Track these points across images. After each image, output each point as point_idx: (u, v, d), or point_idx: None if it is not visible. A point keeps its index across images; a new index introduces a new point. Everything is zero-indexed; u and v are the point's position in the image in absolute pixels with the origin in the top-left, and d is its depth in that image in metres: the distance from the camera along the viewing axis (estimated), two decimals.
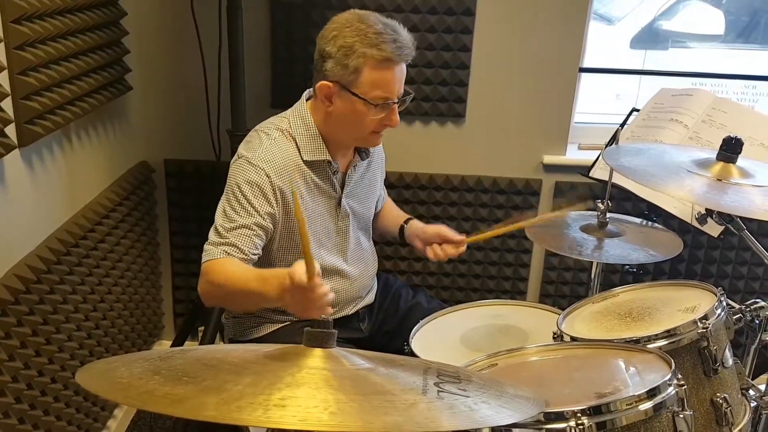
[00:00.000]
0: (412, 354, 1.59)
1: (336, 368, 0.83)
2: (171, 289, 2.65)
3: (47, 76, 1.69)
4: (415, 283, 2.64)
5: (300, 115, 1.65)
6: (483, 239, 1.87)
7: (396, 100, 1.57)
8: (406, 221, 1.93)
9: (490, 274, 2.64)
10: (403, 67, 1.57)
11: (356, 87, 1.53)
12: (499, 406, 0.81)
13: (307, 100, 1.68)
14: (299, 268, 1.25)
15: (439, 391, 0.80)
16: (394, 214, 1.99)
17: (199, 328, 2.39)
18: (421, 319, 1.75)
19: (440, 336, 1.70)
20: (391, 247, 2.56)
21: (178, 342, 2.45)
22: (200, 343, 2.21)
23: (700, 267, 2.64)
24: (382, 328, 1.89)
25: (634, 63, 3.30)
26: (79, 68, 1.86)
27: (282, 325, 1.73)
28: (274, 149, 1.60)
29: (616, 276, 2.61)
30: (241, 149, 1.63)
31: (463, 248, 1.81)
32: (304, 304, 1.27)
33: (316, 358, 0.85)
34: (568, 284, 2.67)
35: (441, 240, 1.81)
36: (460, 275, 2.64)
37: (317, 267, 1.23)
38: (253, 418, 0.65)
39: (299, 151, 1.62)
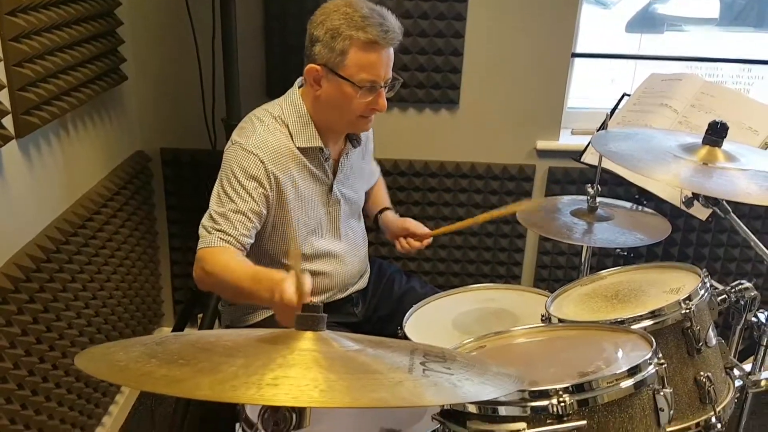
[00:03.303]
0: (406, 338, 1.62)
1: (326, 350, 0.87)
2: (170, 276, 2.68)
3: (43, 67, 1.71)
4: (410, 269, 2.67)
5: (292, 102, 1.67)
6: (447, 232, 1.97)
7: (383, 84, 1.60)
8: (381, 211, 1.98)
9: (485, 259, 2.68)
10: (390, 51, 1.59)
11: (343, 69, 1.56)
12: (481, 383, 0.84)
13: (299, 88, 1.70)
14: (289, 286, 1.27)
15: (424, 370, 0.84)
16: (377, 200, 2.03)
17: (198, 315, 2.42)
18: (415, 304, 1.78)
19: (433, 320, 1.73)
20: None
21: (177, 328, 2.48)
22: (199, 329, 2.25)
23: (692, 250, 2.68)
24: (376, 313, 1.93)
25: (630, 47, 3.31)
26: (75, 59, 1.88)
27: None
28: (268, 136, 1.63)
29: (609, 260, 2.64)
30: (235, 135, 1.66)
31: (428, 241, 1.91)
32: (288, 319, 1.27)
33: (306, 340, 0.89)
34: (561, 268, 2.71)
35: (407, 234, 1.90)
36: (455, 261, 2.68)
37: (308, 286, 1.25)
38: (247, 396, 0.69)
39: (292, 138, 1.65)
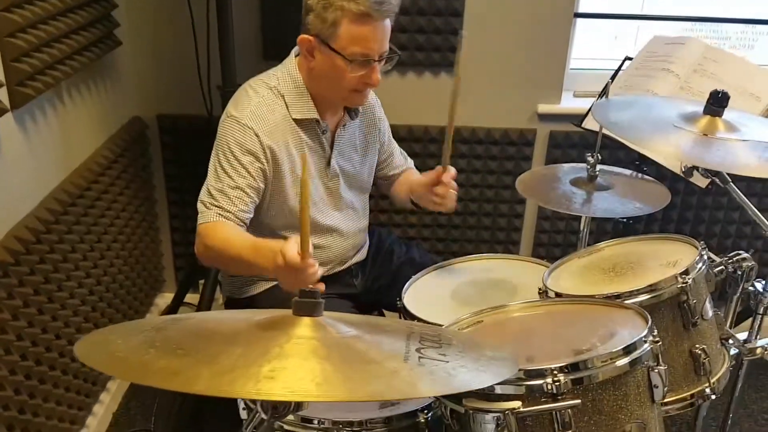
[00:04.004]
0: (404, 309, 1.63)
1: (323, 336, 0.87)
2: (170, 243, 2.69)
3: (35, 36, 1.68)
4: (410, 236, 2.68)
5: (289, 71, 1.64)
6: (449, 149, 1.67)
7: (377, 59, 1.55)
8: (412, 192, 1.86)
9: (485, 225, 2.68)
10: (386, 24, 1.54)
11: (334, 41, 1.52)
12: (476, 370, 0.85)
13: (296, 56, 1.67)
14: (292, 247, 1.26)
15: (420, 357, 0.85)
16: (406, 187, 1.91)
17: (200, 281, 2.44)
18: (414, 274, 1.79)
19: (432, 291, 1.74)
20: (385, 201, 2.58)
21: (179, 295, 2.51)
22: (200, 297, 2.27)
23: (692, 214, 2.67)
24: (375, 284, 1.94)
25: (633, 2, 3.24)
26: (68, 26, 1.85)
27: (276, 282, 1.77)
28: (263, 107, 1.60)
29: (609, 224, 2.64)
30: (230, 107, 1.63)
31: (450, 175, 1.70)
32: (293, 282, 1.29)
33: (304, 327, 0.89)
34: (561, 233, 2.71)
35: (427, 188, 1.74)
36: (455, 227, 2.68)
37: (310, 246, 1.25)
38: (245, 390, 0.70)
39: (288, 109, 1.62)
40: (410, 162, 2.02)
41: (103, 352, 0.79)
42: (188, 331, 0.88)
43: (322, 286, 1.29)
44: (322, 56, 1.56)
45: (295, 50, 1.68)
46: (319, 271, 1.32)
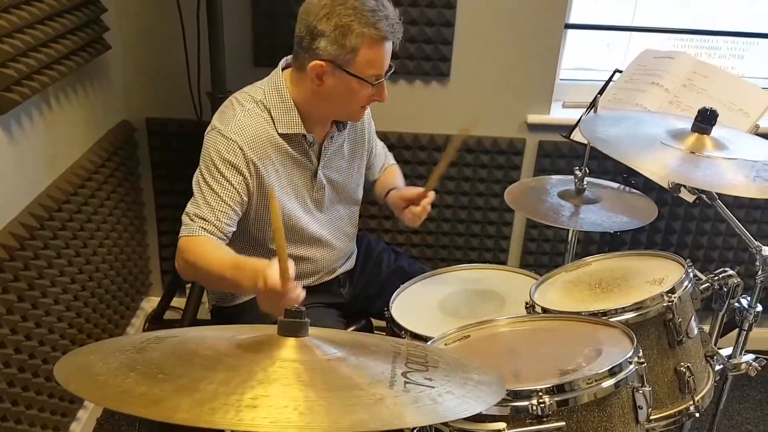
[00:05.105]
0: (392, 319, 1.63)
1: (307, 359, 0.87)
2: (158, 247, 2.68)
3: (22, 41, 1.67)
4: (399, 242, 2.67)
5: (275, 86, 1.63)
6: (439, 177, 1.75)
7: (385, 76, 1.57)
8: (387, 194, 1.89)
9: (474, 233, 2.68)
10: (391, 43, 1.56)
11: (352, 66, 1.52)
12: (463, 396, 0.85)
13: (283, 70, 1.65)
14: (273, 271, 1.26)
15: (405, 383, 0.84)
16: (385, 187, 1.92)
17: (187, 285, 2.43)
18: (403, 284, 1.79)
19: (419, 301, 1.74)
20: (375, 207, 2.58)
21: (166, 299, 2.50)
22: (187, 301, 2.25)
23: (678, 226, 2.69)
24: (363, 293, 1.93)
25: (625, 10, 3.25)
26: (56, 30, 1.83)
27: None
28: (248, 121, 1.58)
29: (597, 235, 2.65)
30: (215, 120, 1.62)
31: (429, 200, 1.76)
32: (274, 305, 1.28)
33: (288, 348, 0.89)
34: (550, 242, 2.72)
35: (406, 202, 1.78)
36: (444, 234, 2.68)
37: (292, 270, 1.24)
38: (226, 420, 0.69)
39: (274, 124, 1.61)
40: (390, 158, 2.01)
41: (83, 375, 0.78)
42: (170, 352, 0.87)
43: (301, 296, 1.28)
44: (335, 80, 1.54)
45: (282, 63, 1.66)
46: (302, 294, 1.31)
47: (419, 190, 1.78)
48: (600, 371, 1.11)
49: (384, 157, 1.99)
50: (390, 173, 1.98)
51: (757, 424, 2.46)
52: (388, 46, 1.54)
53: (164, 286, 2.71)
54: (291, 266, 1.26)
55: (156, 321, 2.50)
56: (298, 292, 1.30)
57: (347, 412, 0.73)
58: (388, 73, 1.59)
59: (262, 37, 2.35)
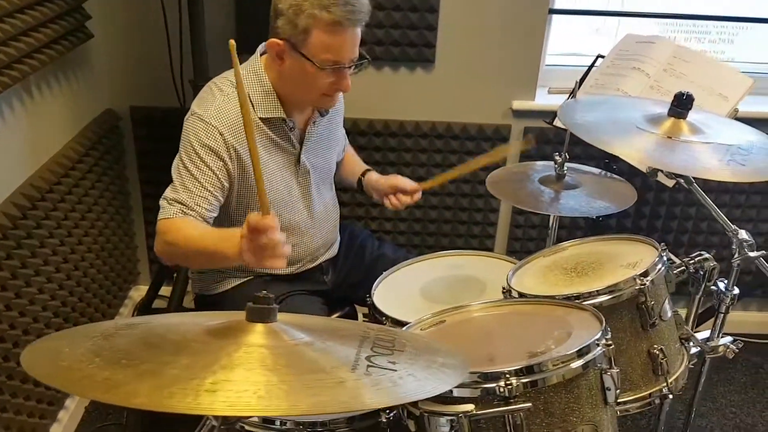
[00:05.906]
0: (374, 306, 1.64)
1: (273, 344, 0.88)
2: (144, 236, 2.68)
3: (1, 30, 1.66)
4: (386, 229, 2.68)
5: (254, 70, 1.63)
6: (437, 184, 1.93)
7: (347, 65, 1.55)
8: (364, 173, 1.95)
9: (460, 220, 2.69)
10: (357, 31, 1.53)
11: (305, 48, 1.51)
12: (425, 378, 0.86)
13: (261, 55, 1.66)
14: (255, 214, 1.25)
15: (368, 366, 0.86)
16: (354, 166, 2.00)
17: (174, 274, 2.43)
18: (386, 270, 1.80)
19: (401, 288, 1.76)
20: (362, 195, 2.57)
21: (154, 288, 2.51)
22: (172, 291, 2.26)
23: (662, 212, 2.70)
24: (347, 280, 1.94)
25: None
26: (36, 19, 1.83)
27: (245, 279, 1.78)
28: (227, 105, 1.58)
29: (582, 220, 2.66)
30: (194, 105, 1.62)
31: (418, 196, 1.88)
32: (260, 251, 1.27)
33: (256, 334, 0.90)
34: (535, 227, 2.73)
35: (396, 190, 1.87)
36: (431, 221, 2.69)
37: (273, 213, 1.25)
38: (183, 404, 0.70)
39: (254, 108, 1.61)
40: (347, 140, 2.03)
41: (47, 361, 0.79)
42: (137, 338, 0.88)
43: (284, 263, 1.27)
44: (292, 61, 1.55)
45: (260, 48, 1.67)
46: (288, 248, 1.29)
47: (414, 184, 1.86)
48: (568, 353, 1.13)
49: (345, 138, 2.01)
50: (351, 154, 2.04)
51: (741, 407, 2.49)
52: (350, 33, 1.51)
53: (152, 275, 2.72)
54: (268, 203, 1.25)
55: (144, 310, 2.51)
56: (283, 237, 1.27)
57: (308, 395, 0.75)
58: (357, 64, 1.57)
59: (245, 24, 2.35)
